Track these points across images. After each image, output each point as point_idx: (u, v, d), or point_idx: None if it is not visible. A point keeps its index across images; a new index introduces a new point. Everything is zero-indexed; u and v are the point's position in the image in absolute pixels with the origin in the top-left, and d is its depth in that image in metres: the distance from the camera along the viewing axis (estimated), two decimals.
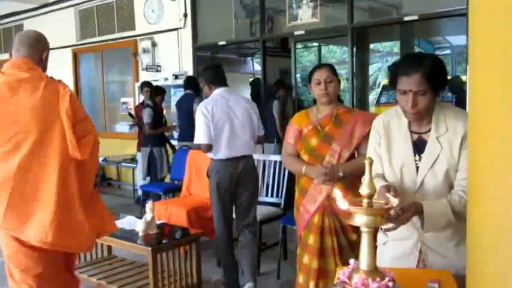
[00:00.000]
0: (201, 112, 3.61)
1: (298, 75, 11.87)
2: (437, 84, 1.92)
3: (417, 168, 1.99)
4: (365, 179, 1.64)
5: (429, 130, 2.00)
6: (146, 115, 6.19)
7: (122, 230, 3.71)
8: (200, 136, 3.61)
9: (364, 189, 1.64)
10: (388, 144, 2.07)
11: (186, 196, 5.04)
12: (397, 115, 2.08)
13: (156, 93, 6.44)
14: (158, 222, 3.79)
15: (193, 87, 6.18)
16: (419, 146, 2.00)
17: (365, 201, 1.65)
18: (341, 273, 1.72)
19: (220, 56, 9.07)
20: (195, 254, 3.64)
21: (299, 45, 11.22)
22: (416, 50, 9.78)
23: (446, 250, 1.97)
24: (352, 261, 1.75)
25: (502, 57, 1.41)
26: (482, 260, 1.53)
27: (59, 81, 2.55)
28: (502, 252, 1.45)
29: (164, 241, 3.51)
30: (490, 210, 1.50)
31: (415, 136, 2.03)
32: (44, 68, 2.60)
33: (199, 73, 3.97)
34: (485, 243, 1.50)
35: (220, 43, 7.10)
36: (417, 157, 2.00)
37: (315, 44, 10.85)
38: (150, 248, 3.32)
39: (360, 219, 1.64)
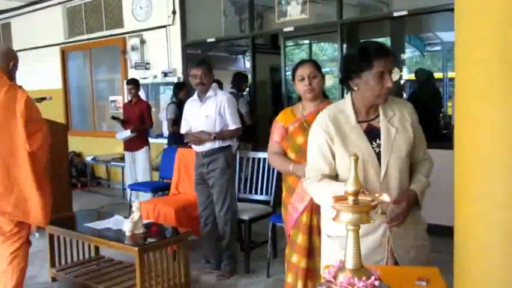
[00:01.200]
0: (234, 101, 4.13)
1: (289, 73, 11.84)
2: None
3: (377, 155, 2.02)
4: (350, 176, 1.60)
5: (377, 116, 2.08)
6: (170, 111, 6.13)
7: (109, 230, 3.65)
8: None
9: (349, 187, 1.60)
10: (342, 139, 2.05)
11: (175, 195, 4.98)
12: (340, 110, 2.11)
13: (179, 88, 6.35)
14: (145, 221, 3.73)
15: (238, 86, 6.27)
16: (371, 134, 2.05)
17: (350, 198, 1.61)
18: (326, 272, 1.68)
19: (211, 53, 9.00)
20: (182, 254, 3.59)
21: (290, 43, 11.18)
22: (407, 46, 9.76)
23: (408, 231, 2.02)
24: (338, 260, 1.71)
25: (487, 52, 1.38)
26: (469, 261, 1.50)
27: (20, 87, 3.10)
28: (489, 252, 1.43)
29: (151, 241, 3.45)
30: (477, 210, 1.47)
31: (365, 125, 2.08)
32: (10, 77, 3.14)
33: (201, 61, 4.00)
34: (473, 244, 1.48)
35: (209, 40, 7.04)
36: (374, 144, 2.04)
37: (306, 41, 10.80)
38: (136, 248, 3.27)
39: (346, 217, 1.60)
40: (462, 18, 1.49)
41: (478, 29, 1.44)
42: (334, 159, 2.07)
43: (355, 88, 2.06)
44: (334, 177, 2.09)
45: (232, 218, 4.04)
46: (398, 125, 2.05)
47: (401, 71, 7.21)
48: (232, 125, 4.00)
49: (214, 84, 4.09)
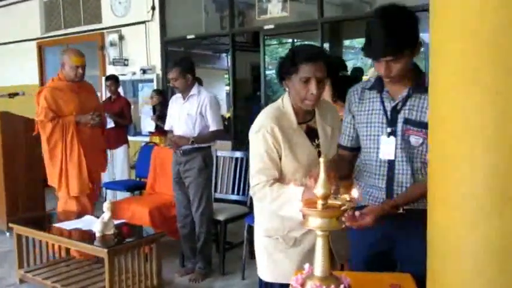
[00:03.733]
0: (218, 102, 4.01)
1: (272, 72, 11.77)
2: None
3: (319, 153, 2.06)
4: (320, 179, 1.52)
5: (313, 117, 2.13)
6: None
7: (79, 231, 3.54)
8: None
9: (318, 190, 1.52)
10: (288, 142, 2.04)
11: (151, 194, 4.88)
12: (281, 112, 2.09)
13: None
14: (117, 222, 3.62)
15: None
16: (310, 135, 2.10)
17: (320, 202, 1.54)
18: (294, 279, 1.61)
19: (193, 51, 8.90)
20: (155, 255, 3.49)
21: (273, 41, 11.11)
22: None
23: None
24: (307, 266, 1.64)
25: (460, 46, 1.32)
26: (442, 269, 1.43)
27: None
28: (462, 259, 1.36)
29: (122, 242, 3.34)
30: (451, 213, 1.41)
31: (304, 126, 2.11)
32: None
33: (178, 62, 3.86)
34: (445, 250, 1.41)
35: (189, 37, 6.93)
36: (314, 144, 2.09)
37: (289, 40, 10.75)
38: (106, 250, 3.16)
39: (314, 222, 1.52)
40: (435, 15, 1.43)
41: (451, 25, 1.37)
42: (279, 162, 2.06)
43: (287, 89, 2.10)
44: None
45: (208, 219, 3.96)
46: (332, 123, 2.15)
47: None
48: (213, 126, 3.89)
49: (197, 85, 3.98)
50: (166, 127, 4.12)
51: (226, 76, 11.09)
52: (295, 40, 10.49)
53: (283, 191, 1.95)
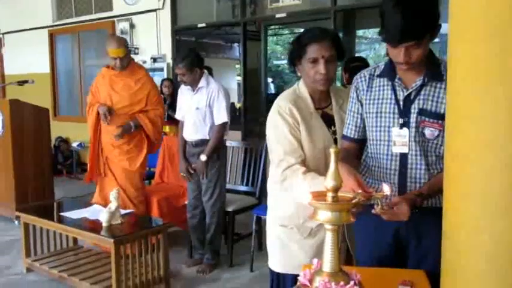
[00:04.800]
0: (227, 93, 3.86)
1: (284, 61, 11.65)
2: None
3: (334, 141, 2.02)
4: (330, 170, 1.44)
5: (329, 104, 2.09)
6: None
7: (85, 220, 3.50)
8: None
9: (328, 182, 1.45)
10: (306, 124, 1.99)
11: (159, 184, 4.83)
12: (297, 96, 2.04)
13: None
14: (124, 211, 3.58)
15: None
16: (327, 121, 2.06)
17: (329, 195, 1.46)
18: (302, 275, 1.54)
19: (205, 40, 8.82)
20: (162, 245, 3.44)
21: (285, 30, 10.99)
22: None
23: None
24: (315, 261, 1.57)
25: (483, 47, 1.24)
26: (457, 266, 1.36)
27: None
28: (478, 256, 1.29)
29: (128, 232, 3.30)
30: (465, 210, 1.33)
31: (320, 112, 2.07)
32: None
33: (184, 56, 3.74)
34: (461, 247, 1.34)
35: (200, 25, 6.84)
36: (330, 131, 2.04)
37: (302, 29, 10.63)
38: (112, 240, 3.11)
39: (324, 215, 1.45)
40: (456, 8, 1.34)
41: (473, 12, 1.28)
42: None
43: (299, 74, 2.07)
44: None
45: (219, 210, 3.89)
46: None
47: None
48: (218, 119, 3.78)
49: (206, 74, 3.87)
50: (178, 117, 4.02)
51: (238, 66, 11.03)
52: (297, 29, 10.38)
53: (321, 181, 1.77)
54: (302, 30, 9.30)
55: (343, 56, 2.05)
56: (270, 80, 10.01)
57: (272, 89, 10.54)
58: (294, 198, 1.97)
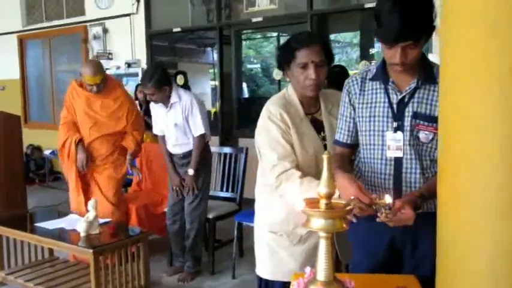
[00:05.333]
0: (201, 103, 3.79)
1: (257, 66, 11.64)
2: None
3: (325, 146, 2.00)
4: (323, 177, 1.42)
5: (319, 109, 2.07)
6: None
7: (62, 231, 3.40)
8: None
9: (322, 188, 1.42)
10: (296, 130, 1.97)
11: (137, 191, 4.74)
12: (287, 101, 2.02)
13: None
14: (102, 220, 3.48)
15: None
16: (316, 127, 2.03)
17: (323, 202, 1.43)
18: (295, 284, 1.50)
19: (179, 45, 8.75)
20: (143, 255, 3.36)
21: (258, 35, 10.97)
22: (376, 40, 9.70)
23: None
24: (308, 269, 1.54)
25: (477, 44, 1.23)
26: (452, 271, 1.34)
27: None
28: (473, 261, 1.28)
29: (108, 242, 3.21)
30: (460, 214, 1.32)
31: (309, 117, 2.05)
32: None
33: (151, 76, 3.62)
34: (456, 251, 1.33)
35: (175, 30, 6.78)
36: (319, 137, 2.02)
37: (274, 34, 10.63)
38: (91, 250, 3.02)
39: (317, 223, 1.42)
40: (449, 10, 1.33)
41: (465, 15, 1.27)
42: None
43: (288, 79, 2.05)
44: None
45: (201, 217, 3.83)
46: (338, 116, 2.00)
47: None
48: (196, 131, 3.71)
49: (176, 88, 3.79)
50: (157, 132, 3.91)
51: (211, 71, 10.97)
52: (282, 34, 10.38)
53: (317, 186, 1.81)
54: (276, 34, 9.30)
55: (333, 61, 2.03)
56: (244, 84, 9.99)
57: (246, 93, 10.53)
58: (286, 204, 1.94)
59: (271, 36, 11.48)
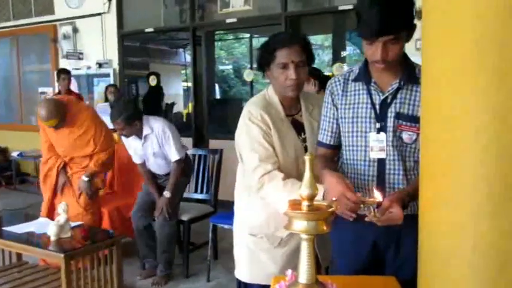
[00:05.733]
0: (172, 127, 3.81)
1: (229, 67, 11.61)
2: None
3: (305, 148, 1.98)
4: (305, 178, 1.40)
5: (299, 110, 2.05)
6: None
7: (32, 235, 3.30)
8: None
9: (304, 190, 1.40)
10: (277, 131, 1.95)
11: (109, 194, 4.65)
12: (268, 103, 2.00)
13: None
14: (74, 224, 3.40)
15: None
16: (297, 128, 2.02)
17: (305, 203, 1.41)
18: (277, 287, 1.48)
19: (151, 46, 8.66)
20: (116, 258, 3.29)
21: (230, 36, 10.95)
22: (347, 43, 9.80)
23: None
24: (289, 272, 1.52)
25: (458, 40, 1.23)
26: (434, 272, 1.34)
27: None
28: (456, 262, 1.28)
29: (79, 246, 3.13)
30: (441, 215, 1.33)
31: (290, 119, 2.03)
32: None
33: (121, 111, 3.64)
34: (437, 252, 1.33)
35: (148, 30, 6.69)
36: (300, 138, 2.01)
37: (247, 35, 10.63)
38: (62, 255, 2.94)
39: (299, 225, 1.40)
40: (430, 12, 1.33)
41: (446, 16, 1.27)
42: None
43: (268, 80, 2.03)
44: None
45: (172, 219, 3.78)
46: (319, 117, 2.00)
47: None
48: (173, 156, 3.75)
49: (145, 119, 3.78)
50: (136, 161, 3.91)
51: (183, 71, 10.89)
52: (255, 35, 10.38)
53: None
54: (248, 36, 9.29)
55: (313, 61, 2.02)
56: (216, 85, 9.97)
57: (218, 94, 10.51)
58: (267, 206, 1.91)
59: (242, 38, 11.49)
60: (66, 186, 3.97)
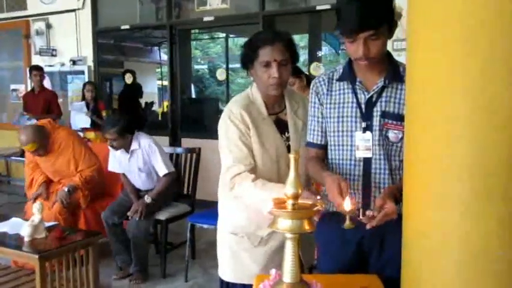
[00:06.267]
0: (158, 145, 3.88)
1: (204, 66, 11.56)
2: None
3: (287, 148, 1.96)
4: (290, 177, 1.40)
5: (284, 109, 2.03)
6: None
7: (4, 235, 3.21)
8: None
9: (288, 189, 1.40)
10: (257, 131, 1.93)
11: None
12: (250, 101, 1.99)
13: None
14: (48, 224, 3.33)
15: None
16: (280, 127, 2.00)
17: (290, 202, 1.41)
18: (261, 286, 1.47)
19: (125, 44, 8.56)
20: (91, 259, 3.24)
21: (205, 36, 10.88)
22: (323, 44, 9.85)
23: None
24: (273, 271, 1.51)
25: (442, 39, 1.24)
26: (417, 272, 1.35)
27: None
28: (439, 261, 1.29)
29: (54, 246, 3.06)
30: (425, 215, 1.33)
31: (273, 118, 2.01)
32: None
33: (115, 123, 3.71)
34: (421, 252, 1.34)
35: (124, 27, 6.60)
36: (283, 137, 1.99)
37: (222, 35, 10.59)
38: (37, 256, 2.87)
39: (284, 223, 1.39)
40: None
41: (430, 14, 1.28)
42: None
43: (252, 78, 2.03)
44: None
45: (145, 219, 3.74)
46: (303, 117, 2.00)
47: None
48: (161, 171, 3.78)
49: (136, 134, 3.85)
50: (117, 170, 3.97)
51: (158, 70, 10.80)
52: (231, 35, 10.34)
53: (271, 187, 1.78)
54: (223, 35, 9.22)
55: (297, 60, 2.01)
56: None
57: (193, 94, 10.46)
58: (248, 205, 1.90)
59: (218, 38, 11.44)
60: (41, 197, 3.96)
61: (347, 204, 1.47)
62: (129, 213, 3.71)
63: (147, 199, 3.71)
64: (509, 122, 1.15)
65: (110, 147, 3.85)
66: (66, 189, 3.88)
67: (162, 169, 3.77)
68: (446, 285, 1.28)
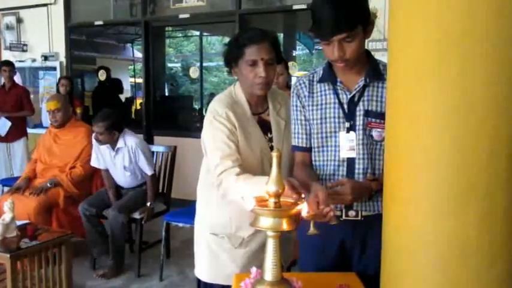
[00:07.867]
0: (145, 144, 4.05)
1: (177, 64, 11.48)
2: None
3: (271, 148, 1.94)
4: (272, 175, 1.39)
5: (267, 109, 2.01)
6: None
7: None
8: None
9: (270, 187, 1.40)
10: (242, 130, 1.91)
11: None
12: (234, 101, 1.96)
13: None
14: (20, 222, 3.25)
15: None
16: (263, 127, 1.98)
17: (271, 200, 1.41)
18: (243, 284, 1.47)
19: (98, 40, 8.43)
20: (64, 258, 3.18)
21: (179, 34, 10.80)
22: (298, 44, 9.88)
23: None
24: (254, 269, 1.51)
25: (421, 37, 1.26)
26: (397, 270, 1.37)
27: None
28: (420, 259, 1.31)
29: (26, 245, 3.00)
30: (406, 212, 1.35)
31: (256, 118, 1.99)
32: None
33: (105, 117, 3.75)
34: (401, 250, 1.35)
35: (97, 23, 6.51)
36: (266, 138, 1.97)
37: (196, 33, 10.54)
38: (8, 255, 2.81)
39: (266, 222, 1.40)
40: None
41: (412, 15, 1.30)
42: None
43: (236, 77, 1.99)
44: None
45: (125, 212, 3.75)
46: (286, 116, 1.98)
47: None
48: (148, 171, 3.85)
49: (124, 132, 3.87)
50: (100, 167, 3.98)
51: (131, 67, 10.68)
52: (205, 33, 10.30)
53: (256, 181, 1.72)
54: (197, 33, 9.17)
55: (282, 60, 2.00)
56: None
57: (166, 91, 10.39)
58: (229, 205, 1.88)
59: (192, 36, 11.38)
60: (19, 191, 3.99)
61: (304, 210, 1.46)
62: (136, 215, 3.79)
63: (150, 205, 3.80)
64: (489, 120, 1.17)
65: (94, 141, 3.82)
66: (48, 184, 3.96)
67: (148, 170, 3.83)
68: (424, 280, 1.30)
